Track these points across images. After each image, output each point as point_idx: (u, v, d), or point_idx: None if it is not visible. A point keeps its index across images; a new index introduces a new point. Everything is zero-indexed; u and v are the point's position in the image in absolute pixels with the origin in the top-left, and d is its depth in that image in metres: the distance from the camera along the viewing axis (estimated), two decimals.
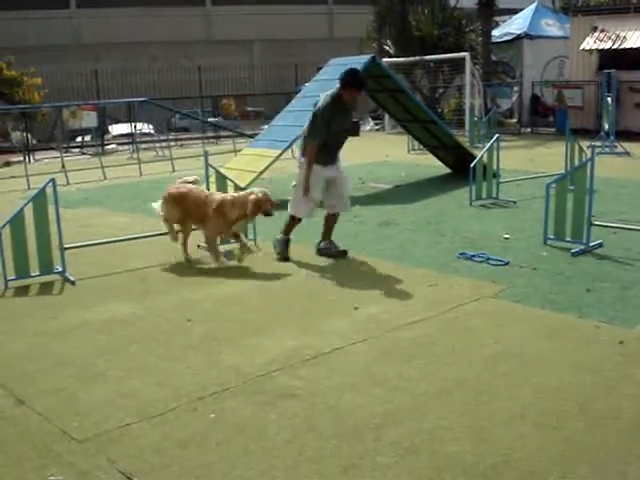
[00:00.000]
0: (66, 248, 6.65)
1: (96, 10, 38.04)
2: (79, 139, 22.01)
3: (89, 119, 20.22)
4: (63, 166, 14.27)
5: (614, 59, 17.90)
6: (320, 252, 7.32)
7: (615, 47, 18.36)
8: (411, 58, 22.95)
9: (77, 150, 20.65)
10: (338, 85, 6.90)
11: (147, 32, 38.00)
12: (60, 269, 6.56)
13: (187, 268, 6.92)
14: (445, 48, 22.95)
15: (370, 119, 26.69)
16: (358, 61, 11.32)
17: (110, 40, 36.94)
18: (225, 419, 3.80)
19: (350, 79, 6.84)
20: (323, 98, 7.03)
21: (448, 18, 24.55)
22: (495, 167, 9.88)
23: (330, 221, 7.36)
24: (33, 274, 6.43)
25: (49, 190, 6.37)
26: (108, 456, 3.45)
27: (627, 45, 18.14)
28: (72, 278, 6.48)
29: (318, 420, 3.76)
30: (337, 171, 7.17)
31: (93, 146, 20.43)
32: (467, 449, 3.41)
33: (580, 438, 3.49)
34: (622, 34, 18.36)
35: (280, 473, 3.27)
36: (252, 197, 6.78)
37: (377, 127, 25.73)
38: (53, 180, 6.45)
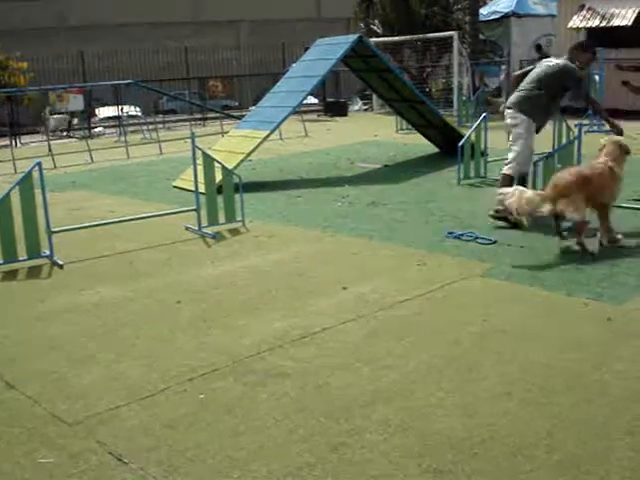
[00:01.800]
0: (53, 232, 6.62)
1: None
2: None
3: (76, 102, 20.07)
4: (50, 150, 14.19)
5: (601, 37, 17.86)
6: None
7: (602, 25, 18.33)
8: (398, 37, 22.85)
9: (64, 133, 20.50)
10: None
11: (133, 13, 37.68)
12: (48, 253, 6.54)
13: (173, 250, 6.90)
14: (433, 27, 22.85)
15: (358, 99, 26.62)
16: (345, 41, 11.30)
17: (96, 22, 36.62)
18: (215, 400, 3.81)
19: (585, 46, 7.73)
20: (560, 63, 7.37)
21: None
22: (483, 146, 9.89)
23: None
24: (21, 258, 6.40)
25: (35, 174, 6.34)
26: (98, 438, 3.45)
27: (614, 23, 18.11)
28: (60, 262, 6.46)
29: (308, 399, 3.77)
30: None
31: (80, 129, 20.29)
32: (455, 425, 3.44)
33: (567, 414, 3.52)
34: (609, 12, 18.32)
35: (270, 452, 3.29)
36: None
37: (365, 107, 25.68)
38: (39, 164, 6.41)
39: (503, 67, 22.16)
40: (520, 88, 7.48)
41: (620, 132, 7.33)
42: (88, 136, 18.52)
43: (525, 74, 7.68)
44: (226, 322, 4.94)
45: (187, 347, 4.53)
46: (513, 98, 7.52)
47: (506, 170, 7.36)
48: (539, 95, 7.30)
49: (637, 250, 6.23)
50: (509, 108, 7.49)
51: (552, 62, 7.51)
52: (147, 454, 3.31)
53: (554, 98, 7.40)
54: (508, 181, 7.18)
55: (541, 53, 20.86)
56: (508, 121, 7.52)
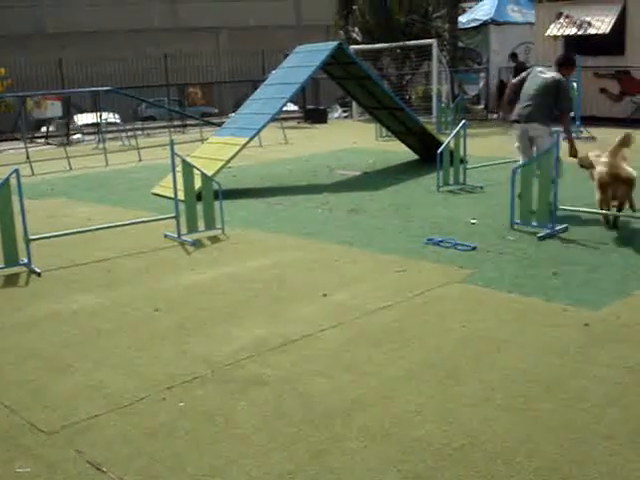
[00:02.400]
0: (31, 239, 6.57)
1: None
2: (44, 129, 21.71)
3: (54, 109, 19.93)
4: (27, 157, 14.09)
5: (579, 45, 18.05)
6: None
7: (580, 33, 18.51)
8: (378, 45, 22.94)
9: (42, 140, 20.36)
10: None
11: (112, 20, 37.55)
12: (25, 261, 6.48)
13: (152, 258, 6.86)
14: (412, 35, 22.96)
15: (338, 106, 26.68)
16: (325, 48, 11.33)
17: (75, 29, 36.43)
18: (194, 408, 3.79)
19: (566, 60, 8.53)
20: (556, 77, 8.13)
21: (415, 5, 24.54)
22: (462, 153, 9.95)
23: None
24: None
25: (13, 181, 6.28)
26: (76, 447, 3.43)
27: (591, 31, 18.29)
28: (38, 270, 6.41)
29: (288, 407, 3.76)
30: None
31: (58, 136, 20.16)
32: (435, 432, 3.44)
33: (547, 419, 3.54)
34: (586, 20, 18.50)
35: (250, 460, 3.28)
36: None
37: (345, 114, 25.73)
38: (17, 170, 6.36)
39: (482, 75, 22.29)
40: (529, 100, 8.09)
41: (574, 154, 8.10)
42: (66, 143, 18.40)
43: (522, 83, 8.27)
44: (205, 330, 4.93)
45: (166, 355, 4.51)
46: (532, 110, 8.06)
47: None
48: (549, 106, 8.01)
49: (615, 256, 6.29)
50: (532, 121, 8.04)
51: (548, 75, 8.16)
52: (126, 463, 3.29)
53: (552, 108, 8.07)
54: None
55: (517, 61, 21.05)
56: (531, 133, 8.10)
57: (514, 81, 8.72)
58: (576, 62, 8.66)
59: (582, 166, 8.07)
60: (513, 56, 21.77)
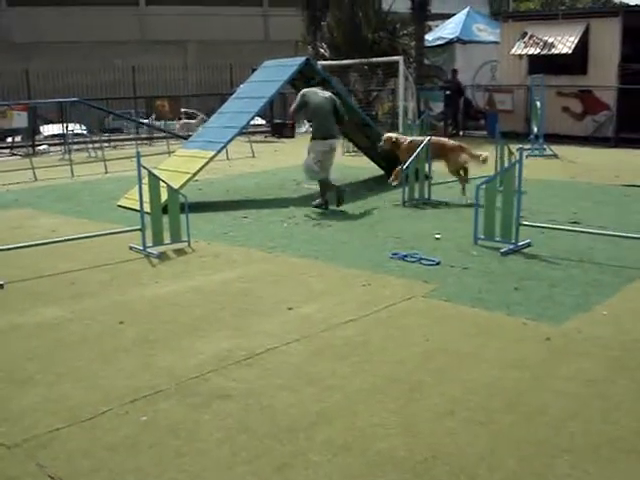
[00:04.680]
0: None
1: (27, 8, 37.15)
2: (9, 140, 21.47)
3: (19, 119, 19.71)
4: None
5: (543, 64, 18.34)
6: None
7: (544, 53, 18.81)
8: (346, 61, 23.07)
9: (7, 151, 20.13)
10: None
11: (80, 31, 37.28)
12: None
13: (117, 270, 6.82)
14: (380, 51, 23.13)
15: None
16: (293, 63, 11.38)
17: (42, 39, 36.12)
18: (157, 422, 3.77)
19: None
20: (333, 95, 9.76)
21: (382, 22, 24.76)
22: (427, 169, 10.05)
23: None
24: None
25: None
26: (37, 461, 3.39)
27: (555, 51, 18.60)
28: (1, 281, 6.33)
29: (252, 420, 3.77)
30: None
31: (24, 147, 19.94)
32: (398, 445, 3.47)
33: (508, 433, 3.59)
34: (550, 40, 18.82)
35: (213, 474, 3.27)
36: None
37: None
38: None
39: (447, 92, 22.51)
40: (328, 118, 9.60)
41: None
42: (32, 154, 18.21)
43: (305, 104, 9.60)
44: (170, 343, 4.91)
45: (130, 368, 4.48)
46: (333, 127, 9.71)
47: None
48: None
49: (576, 271, 6.39)
50: (335, 137, 9.79)
51: (327, 94, 9.68)
52: (87, 477, 3.26)
53: None
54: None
55: (453, 80, 21.73)
56: (334, 146, 9.81)
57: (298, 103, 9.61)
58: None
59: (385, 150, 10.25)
60: (453, 72, 22.23)
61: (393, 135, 10.57)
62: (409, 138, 10.54)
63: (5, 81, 23.78)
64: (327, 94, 9.66)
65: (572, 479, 3.19)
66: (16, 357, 4.71)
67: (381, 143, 10.46)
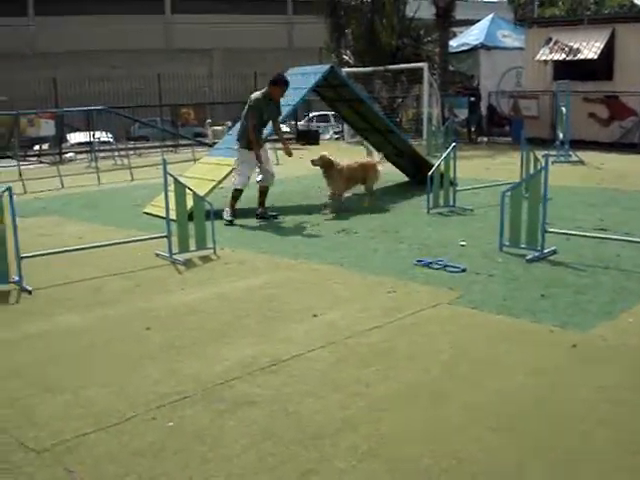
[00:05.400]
0: (23, 257, 6.57)
1: (54, 18, 37.70)
2: (37, 147, 21.75)
3: (47, 127, 19.98)
4: (20, 175, 14.11)
5: (568, 70, 18.26)
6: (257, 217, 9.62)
7: (569, 58, 18.71)
8: (370, 68, 23.11)
9: (35, 159, 20.39)
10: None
11: (106, 40, 37.74)
12: (17, 279, 6.49)
13: (143, 277, 6.87)
14: (403, 58, 23.17)
15: (330, 128, 26.83)
16: (317, 70, 11.42)
17: (69, 48, 36.61)
18: (183, 427, 3.80)
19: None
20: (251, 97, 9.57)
21: (407, 28, 24.80)
22: (452, 175, 10.03)
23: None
24: None
25: (5, 199, 6.31)
26: (65, 466, 3.43)
27: (580, 57, 18.50)
28: (29, 288, 6.41)
29: (277, 427, 3.78)
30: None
31: (51, 154, 20.20)
32: (423, 452, 3.46)
33: (534, 440, 3.57)
34: (575, 45, 18.73)
35: None
36: None
37: (337, 136, 25.87)
38: (9, 188, 6.38)
39: (472, 98, 22.48)
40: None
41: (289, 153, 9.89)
42: (59, 161, 18.44)
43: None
44: (196, 349, 4.94)
45: (156, 374, 4.52)
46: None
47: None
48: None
49: (602, 278, 6.34)
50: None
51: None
52: None
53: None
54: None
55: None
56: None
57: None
58: (287, 83, 9.40)
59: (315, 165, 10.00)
60: (472, 78, 22.16)
61: (330, 157, 10.07)
62: (345, 164, 10.14)
63: (33, 89, 24.10)
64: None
65: None
66: (43, 363, 4.76)
67: (316, 158, 10.10)
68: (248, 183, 9.74)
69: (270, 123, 9.71)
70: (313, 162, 10.08)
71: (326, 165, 9.94)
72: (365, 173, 10.35)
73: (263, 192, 9.80)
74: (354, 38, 25.20)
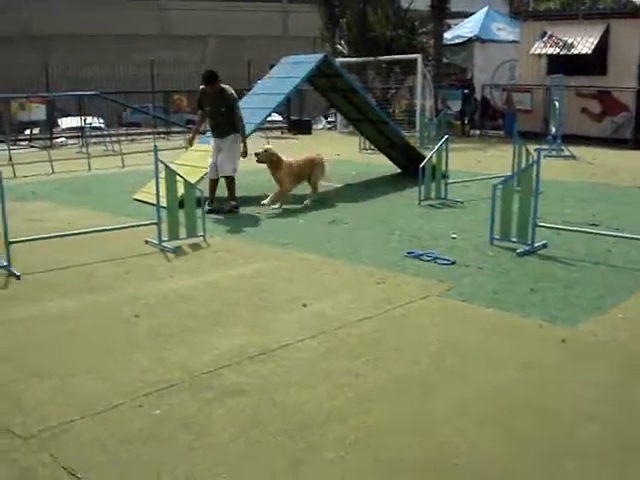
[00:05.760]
0: (11, 242, 6.53)
1: (47, 2, 37.38)
2: (27, 132, 21.62)
3: (38, 112, 19.85)
4: (10, 159, 14.02)
5: (562, 64, 18.26)
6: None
7: (563, 53, 18.71)
8: (364, 58, 23.06)
9: (25, 143, 20.27)
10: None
11: (100, 25, 37.46)
12: (5, 263, 6.45)
13: (133, 264, 6.85)
14: (398, 49, 23.12)
15: (322, 118, 26.78)
16: (311, 60, 11.38)
17: (61, 32, 36.31)
18: (171, 415, 3.79)
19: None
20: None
21: (401, 20, 24.74)
22: (444, 168, 10.02)
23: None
24: None
25: None
26: (51, 452, 3.41)
27: (574, 51, 18.51)
28: (17, 273, 6.38)
29: (265, 416, 3.77)
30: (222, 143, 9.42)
31: (42, 139, 20.08)
32: (410, 444, 3.47)
33: (521, 434, 3.57)
34: (570, 40, 18.73)
35: (225, 469, 3.28)
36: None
37: (329, 126, 25.82)
38: None
39: (466, 91, 22.45)
40: None
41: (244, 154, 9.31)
42: (50, 146, 18.33)
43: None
44: (184, 337, 4.92)
45: (144, 362, 4.50)
46: None
47: None
48: None
49: (592, 273, 6.35)
50: None
51: None
52: (101, 469, 3.28)
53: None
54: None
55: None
56: None
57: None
58: (213, 80, 9.33)
59: (260, 161, 9.53)
60: (464, 70, 22.14)
61: (276, 152, 9.66)
62: (293, 159, 9.85)
63: (24, 73, 23.94)
64: None
65: None
66: (31, 348, 4.74)
67: (260, 151, 9.56)
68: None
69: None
70: (258, 158, 9.51)
71: (273, 161, 9.49)
72: (312, 168, 10.04)
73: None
74: (348, 28, 25.13)
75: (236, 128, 9.26)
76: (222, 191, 9.47)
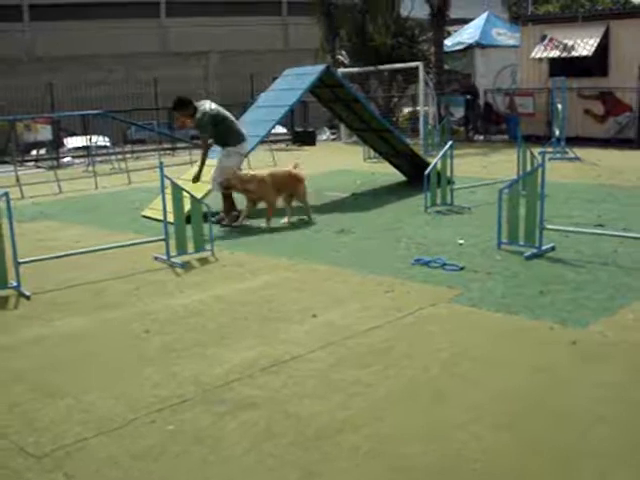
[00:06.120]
0: (21, 263, 6.56)
1: (50, 23, 37.67)
2: (34, 152, 21.72)
3: (44, 132, 19.95)
4: (17, 180, 14.09)
5: (564, 66, 18.26)
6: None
7: (564, 55, 18.72)
8: (365, 68, 23.11)
9: (32, 163, 20.36)
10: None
11: (102, 44, 37.71)
12: (15, 284, 6.48)
13: (142, 280, 6.86)
14: (399, 58, 23.16)
15: (326, 129, 26.82)
16: (312, 71, 11.42)
17: (65, 53, 36.57)
18: (183, 430, 3.79)
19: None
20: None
21: (401, 28, 24.78)
22: (449, 174, 10.03)
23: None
24: None
25: (2, 204, 6.30)
26: (66, 471, 3.42)
27: (575, 54, 18.51)
28: (27, 293, 6.41)
29: (277, 428, 3.77)
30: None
31: (48, 159, 20.17)
32: (424, 451, 3.46)
33: (534, 438, 3.57)
34: (570, 43, 18.73)
35: None
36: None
37: (333, 137, 25.87)
38: (7, 194, 6.38)
39: (468, 97, 22.47)
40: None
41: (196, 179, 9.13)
42: (56, 166, 18.41)
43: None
44: (195, 352, 4.93)
45: (156, 377, 4.51)
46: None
47: None
48: None
49: (601, 275, 6.34)
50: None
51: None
52: None
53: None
54: None
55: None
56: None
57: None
58: (178, 107, 9.32)
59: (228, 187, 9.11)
60: (468, 76, 22.11)
61: (236, 175, 9.09)
62: (262, 173, 9.41)
63: (29, 94, 24.09)
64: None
65: None
66: (43, 368, 4.76)
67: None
68: None
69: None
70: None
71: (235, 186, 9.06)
72: (293, 185, 9.34)
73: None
74: (348, 38, 25.20)
75: (227, 143, 9.31)
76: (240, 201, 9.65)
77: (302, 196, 9.41)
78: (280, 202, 9.43)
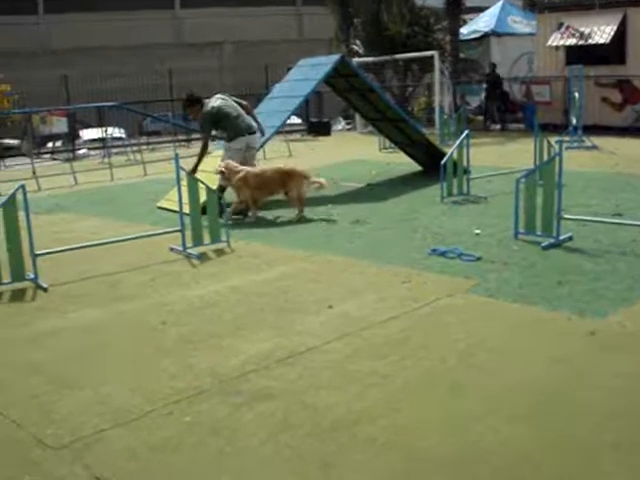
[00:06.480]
0: (38, 255, 6.60)
1: (64, 15, 37.76)
2: (50, 145, 21.82)
3: (59, 125, 20.03)
4: (34, 172, 14.16)
5: (581, 54, 18.09)
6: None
7: (581, 43, 18.55)
8: (380, 57, 23.02)
9: (48, 156, 20.46)
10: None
11: (116, 36, 37.76)
12: (32, 276, 6.51)
13: (157, 271, 6.88)
14: (414, 47, 23.05)
15: (341, 118, 26.76)
16: (327, 61, 11.39)
17: (79, 45, 36.64)
18: (200, 422, 3.80)
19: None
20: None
21: (416, 17, 24.66)
22: (465, 164, 9.97)
23: None
24: (4, 282, 6.37)
25: (19, 196, 6.32)
26: (84, 462, 3.44)
27: (592, 41, 18.33)
28: (44, 285, 6.43)
29: (294, 419, 3.77)
30: None
31: (64, 151, 20.25)
32: (441, 443, 3.45)
33: (552, 430, 3.54)
34: (587, 30, 18.56)
35: (256, 473, 3.29)
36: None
37: (348, 127, 25.80)
38: (23, 186, 6.40)
39: (484, 86, 22.35)
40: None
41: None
42: (72, 158, 18.48)
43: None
44: (211, 343, 4.94)
45: (173, 369, 4.52)
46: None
47: None
48: None
49: (620, 265, 6.29)
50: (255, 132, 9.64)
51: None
52: (133, 478, 3.30)
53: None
54: None
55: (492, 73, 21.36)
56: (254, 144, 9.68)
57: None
58: (188, 104, 9.70)
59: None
60: (493, 65, 21.86)
61: (228, 165, 8.97)
62: (254, 169, 9.22)
63: (45, 87, 24.19)
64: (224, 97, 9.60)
65: (618, 477, 3.13)
66: (60, 360, 4.78)
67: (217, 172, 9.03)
68: None
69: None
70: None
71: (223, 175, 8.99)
72: (284, 182, 9.11)
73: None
74: (363, 28, 25.10)
75: (231, 137, 9.41)
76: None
77: (294, 191, 9.05)
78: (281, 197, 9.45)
